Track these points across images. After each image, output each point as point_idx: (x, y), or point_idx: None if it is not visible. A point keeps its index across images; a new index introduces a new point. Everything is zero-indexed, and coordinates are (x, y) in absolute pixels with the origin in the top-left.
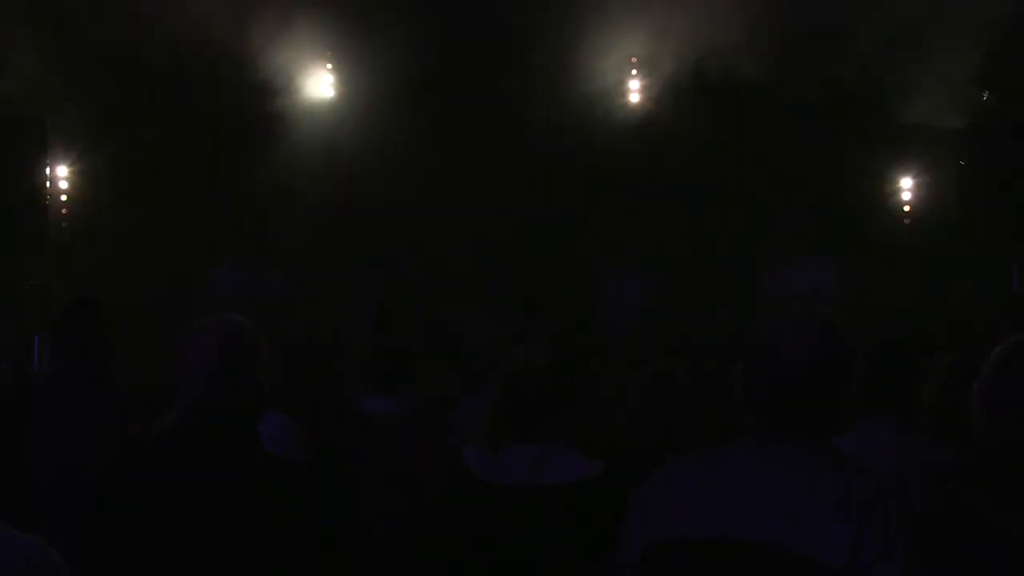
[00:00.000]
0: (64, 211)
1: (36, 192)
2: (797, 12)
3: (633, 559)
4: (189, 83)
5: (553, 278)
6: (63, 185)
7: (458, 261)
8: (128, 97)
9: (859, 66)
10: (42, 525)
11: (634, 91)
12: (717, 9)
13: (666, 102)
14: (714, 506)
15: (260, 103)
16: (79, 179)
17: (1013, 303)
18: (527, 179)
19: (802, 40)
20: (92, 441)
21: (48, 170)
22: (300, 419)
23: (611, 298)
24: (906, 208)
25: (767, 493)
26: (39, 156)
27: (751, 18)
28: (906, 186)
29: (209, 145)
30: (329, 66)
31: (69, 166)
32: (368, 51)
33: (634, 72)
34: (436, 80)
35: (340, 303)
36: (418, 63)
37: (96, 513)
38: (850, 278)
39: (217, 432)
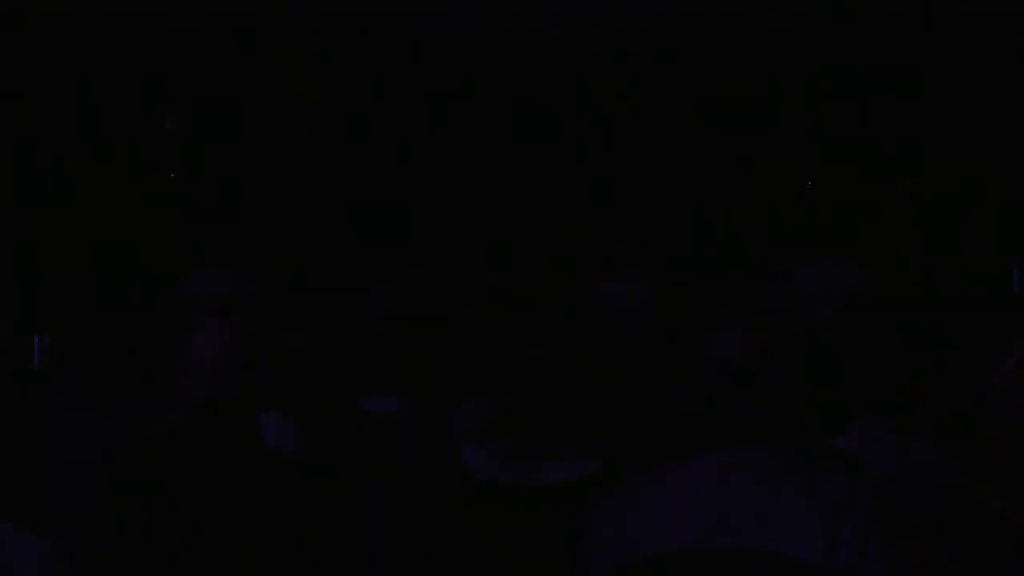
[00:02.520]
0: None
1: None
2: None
3: None
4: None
5: (556, 277)
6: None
7: (458, 259)
8: None
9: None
10: (47, 525)
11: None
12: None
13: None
14: (690, 517)
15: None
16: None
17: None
18: (525, 173)
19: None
20: (93, 441)
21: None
22: (300, 418)
23: (616, 298)
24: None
25: (741, 498)
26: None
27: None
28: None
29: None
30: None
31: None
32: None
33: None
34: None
35: (341, 301)
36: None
37: (98, 513)
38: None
39: (218, 431)
